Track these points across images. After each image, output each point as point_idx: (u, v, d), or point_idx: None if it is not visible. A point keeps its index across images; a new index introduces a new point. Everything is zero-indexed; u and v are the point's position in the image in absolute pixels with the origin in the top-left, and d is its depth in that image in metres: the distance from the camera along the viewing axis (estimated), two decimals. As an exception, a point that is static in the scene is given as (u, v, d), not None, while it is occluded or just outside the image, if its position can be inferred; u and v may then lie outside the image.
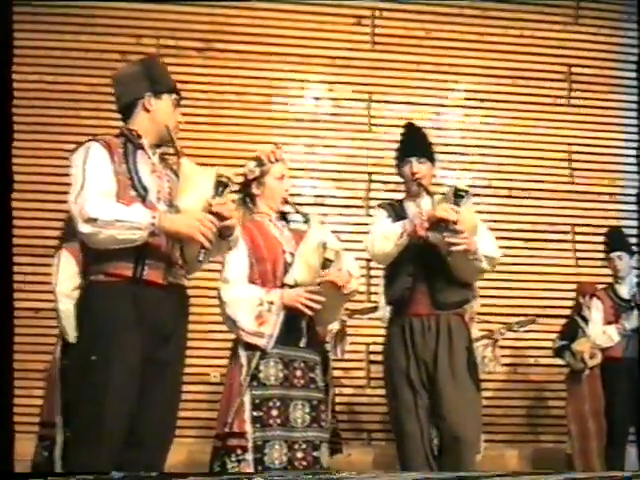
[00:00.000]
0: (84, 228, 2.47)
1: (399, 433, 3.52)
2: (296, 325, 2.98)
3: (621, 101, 6.98)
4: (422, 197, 3.58)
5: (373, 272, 6.13)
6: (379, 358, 6.00)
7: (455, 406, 3.39)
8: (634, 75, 6.48)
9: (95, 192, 2.50)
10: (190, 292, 2.79)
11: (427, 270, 3.44)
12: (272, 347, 2.91)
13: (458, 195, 3.31)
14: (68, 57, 6.31)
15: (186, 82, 6.35)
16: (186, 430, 5.81)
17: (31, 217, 5.57)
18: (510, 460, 5.93)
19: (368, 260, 6.09)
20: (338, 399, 5.20)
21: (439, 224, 3.29)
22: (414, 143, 3.68)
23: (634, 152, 6.79)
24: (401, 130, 3.85)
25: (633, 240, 5.29)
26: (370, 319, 5.33)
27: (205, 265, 2.85)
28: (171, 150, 2.77)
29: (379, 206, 3.75)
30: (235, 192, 3.24)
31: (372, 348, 6.21)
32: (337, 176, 6.58)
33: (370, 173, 6.57)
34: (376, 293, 5.27)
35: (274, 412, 2.88)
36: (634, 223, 6.52)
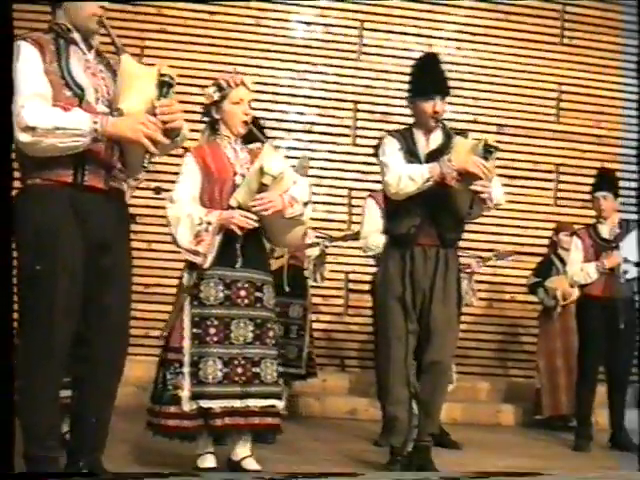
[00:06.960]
0: (23, 137, 2.34)
1: (386, 356, 3.59)
2: (232, 246, 3.07)
3: (615, 43, 6.93)
4: (435, 131, 3.59)
5: (354, 202, 6.17)
6: (358, 287, 6.11)
7: (442, 332, 3.51)
8: (633, 19, 6.40)
9: (30, 96, 2.36)
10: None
11: (434, 208, 3.50)
12: (210, 266, 3.03)
13: (487, 150, 3.39)
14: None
15: (175, 0, 6.26)
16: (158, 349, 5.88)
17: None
18: (481, 392, 6.06)
19: (350, 189, 6.16)
20: (316, 325, 5.28)
21: (466, 175, 3.37)
22: (438, 80, 3.58)
23: (626, 95, 6.78)
24: (420, 60, 3.67)
25: (623, 184, 5.28)
26: (349, 247, 5.38)
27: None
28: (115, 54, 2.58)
29: (389, 134, 3.68)
30: (201, 114, 3.28)
31: (351, 277, 6.29)
32: (324, 103, 6.55)
33: (357, 102, 6.54)
34: (357, 223, 5.29)
35: (212, 330, 3.05)
36: (619, 166, 6.55)
